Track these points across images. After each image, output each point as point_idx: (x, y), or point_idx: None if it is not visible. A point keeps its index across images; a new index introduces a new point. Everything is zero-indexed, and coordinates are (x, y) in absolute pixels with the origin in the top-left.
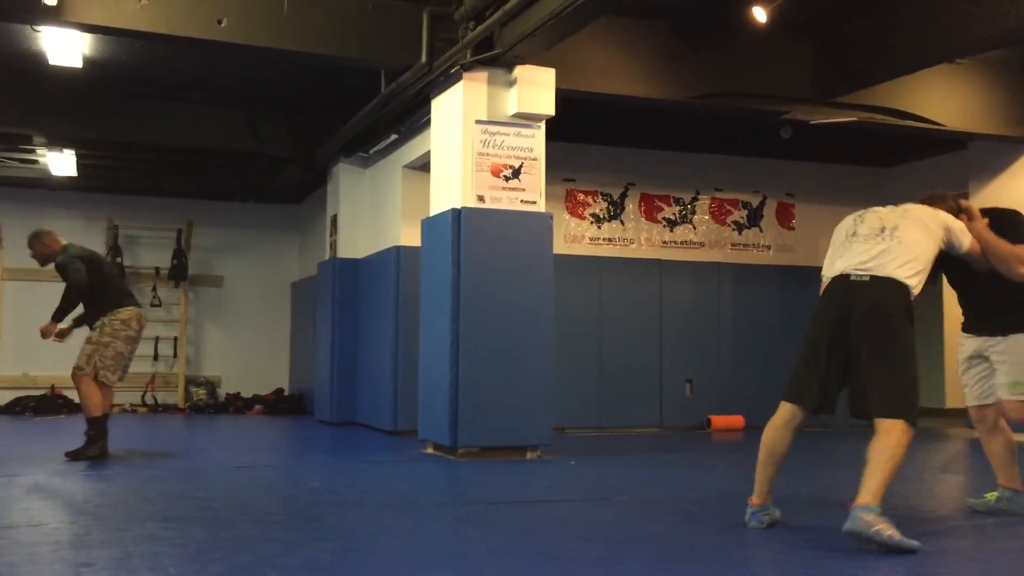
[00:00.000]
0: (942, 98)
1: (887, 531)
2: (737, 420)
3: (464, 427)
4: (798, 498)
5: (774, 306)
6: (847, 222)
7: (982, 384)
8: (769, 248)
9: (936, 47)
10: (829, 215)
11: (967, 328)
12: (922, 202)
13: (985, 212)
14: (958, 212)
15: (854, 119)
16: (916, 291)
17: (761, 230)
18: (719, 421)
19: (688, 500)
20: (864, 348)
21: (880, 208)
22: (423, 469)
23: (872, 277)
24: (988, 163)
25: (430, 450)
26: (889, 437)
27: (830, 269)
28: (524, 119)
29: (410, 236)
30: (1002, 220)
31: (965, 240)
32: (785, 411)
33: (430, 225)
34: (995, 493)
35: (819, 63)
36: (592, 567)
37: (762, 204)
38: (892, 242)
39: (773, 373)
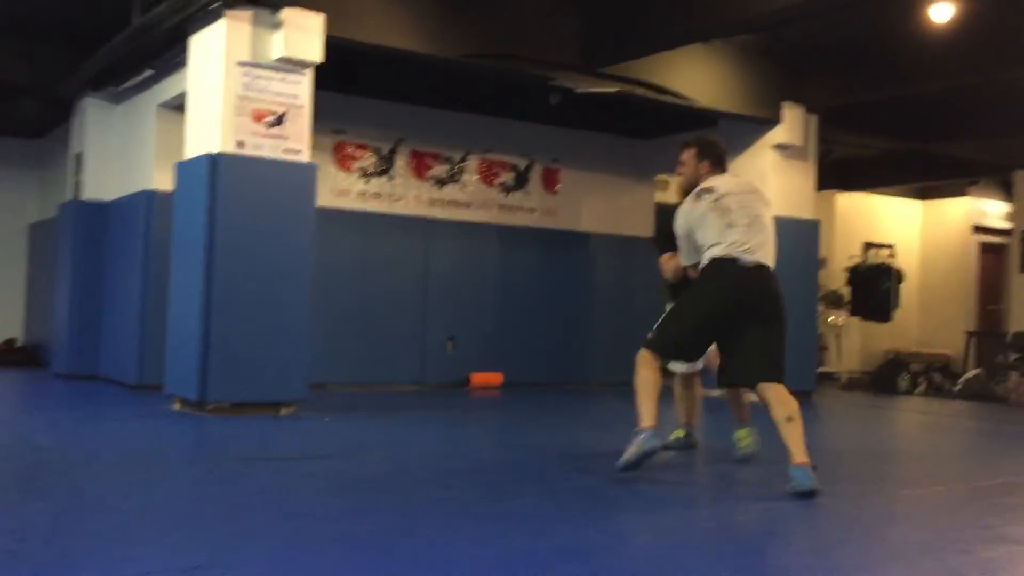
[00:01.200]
0: (697, 76)
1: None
2: (496, 377)
3: (214, 382)
4: (547, 448)
5: (536, 268)
6: (705, 208)
7: None
8: (534, 211)
9: (693, 26)
10: (591, 182)
11: None
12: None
13: None
14: None
15: (616, 90)
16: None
17: (527, 193)
18: (479, 378)
19: (439, 455)
20: (757, 325)
21: (732, 188)
22: (167, 426)
23: (757, 264)
24: (735, 141)
25: (177, 406)
26: (782, 398)
27: (710, 251)
28: (290, 64)
29: (163, 180)
30: None
31: None
32: (653, 359)
33: (184, 169)
34: (681, 431)
35: (586, 33)
36: (333, 523)
37: (529, 168)
38: (763, 231)
39: (532, 332)
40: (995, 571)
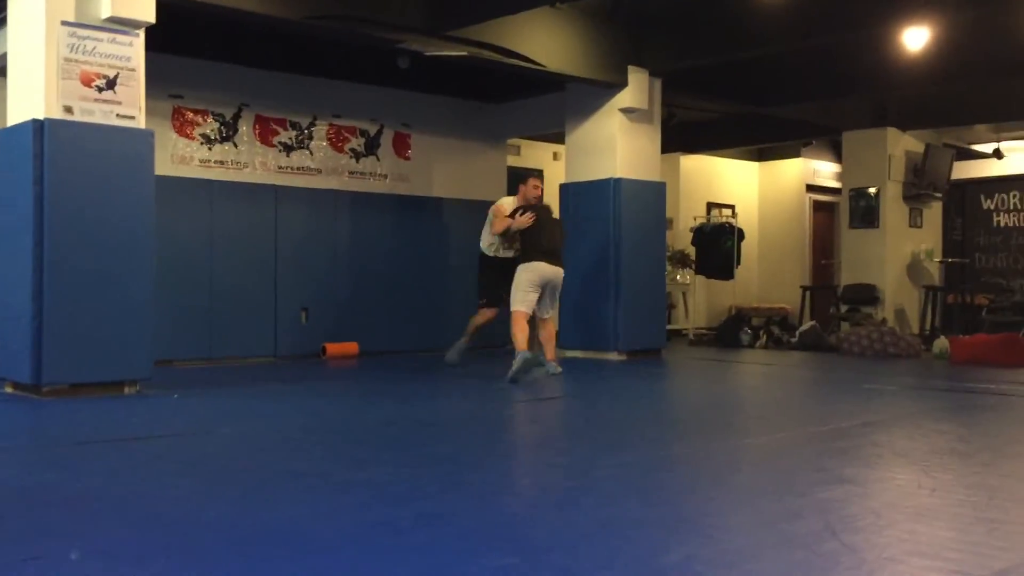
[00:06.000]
0: (545, 40)
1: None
2: (352, 347)
3: (50, 362)
4: (403, 415)
5: (389, 235)
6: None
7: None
8: (386, 177)
9: None
10: (443, 147)
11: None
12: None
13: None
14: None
15: (465, 53)
16: None
17: (378, 159)
18: (334, 348)
19: (294, 428)
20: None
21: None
22: None
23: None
24: (582, 104)
25: (9, 390)
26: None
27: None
28: (120, 24)
29: None
30: None
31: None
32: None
33: (6, 137)
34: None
35: None
36: (180, 504)
37: (379, 133)
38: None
39: (387, 299)
40: (831, 510)
